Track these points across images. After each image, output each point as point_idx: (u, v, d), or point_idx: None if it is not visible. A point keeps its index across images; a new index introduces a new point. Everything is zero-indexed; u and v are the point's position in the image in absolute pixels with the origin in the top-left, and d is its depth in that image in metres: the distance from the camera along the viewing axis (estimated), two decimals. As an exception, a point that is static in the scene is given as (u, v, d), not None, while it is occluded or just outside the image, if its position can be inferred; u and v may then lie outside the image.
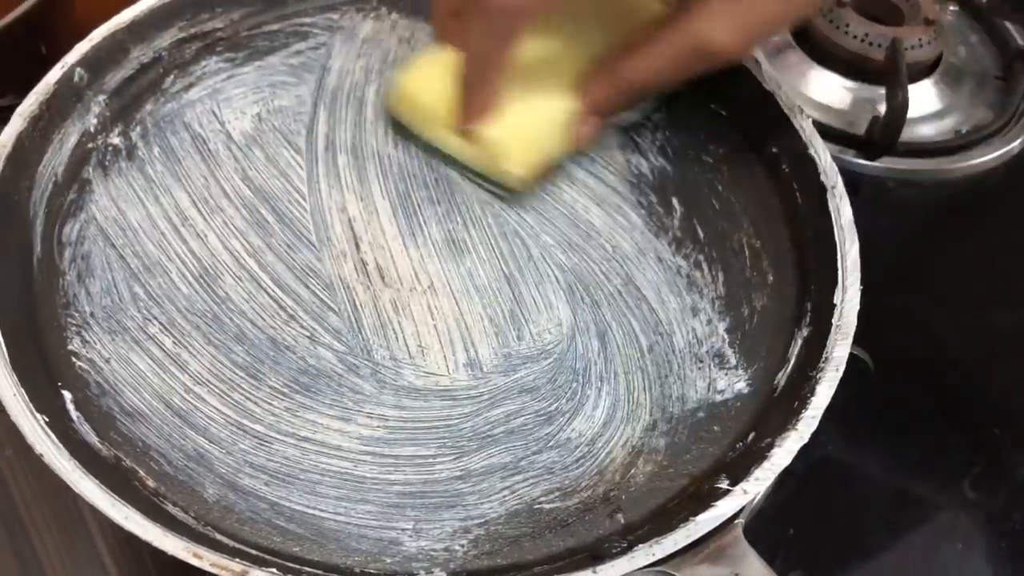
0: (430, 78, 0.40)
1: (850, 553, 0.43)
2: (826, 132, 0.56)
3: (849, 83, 0.58)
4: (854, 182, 0.55)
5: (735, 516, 0.32)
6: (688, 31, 0.37)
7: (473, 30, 0.37)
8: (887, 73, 0.55)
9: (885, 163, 0.56)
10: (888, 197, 0.56)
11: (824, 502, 0.44)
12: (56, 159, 0.39)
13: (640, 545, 0.31)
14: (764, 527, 0.42)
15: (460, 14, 0.40)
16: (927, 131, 0.58)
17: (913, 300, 0.52)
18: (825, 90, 0.59)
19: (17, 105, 0.38)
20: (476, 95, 0.39)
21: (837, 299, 0.37)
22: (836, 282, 0.37)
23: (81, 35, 0.41)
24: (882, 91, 0.55)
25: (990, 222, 0.57)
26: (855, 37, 0.57)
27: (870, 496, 0.45)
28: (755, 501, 0.42)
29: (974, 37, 0.64)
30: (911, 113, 0.54)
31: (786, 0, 0.37)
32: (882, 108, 0.54)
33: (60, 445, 0.31)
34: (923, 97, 0.59)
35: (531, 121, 0.39)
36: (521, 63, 0.38)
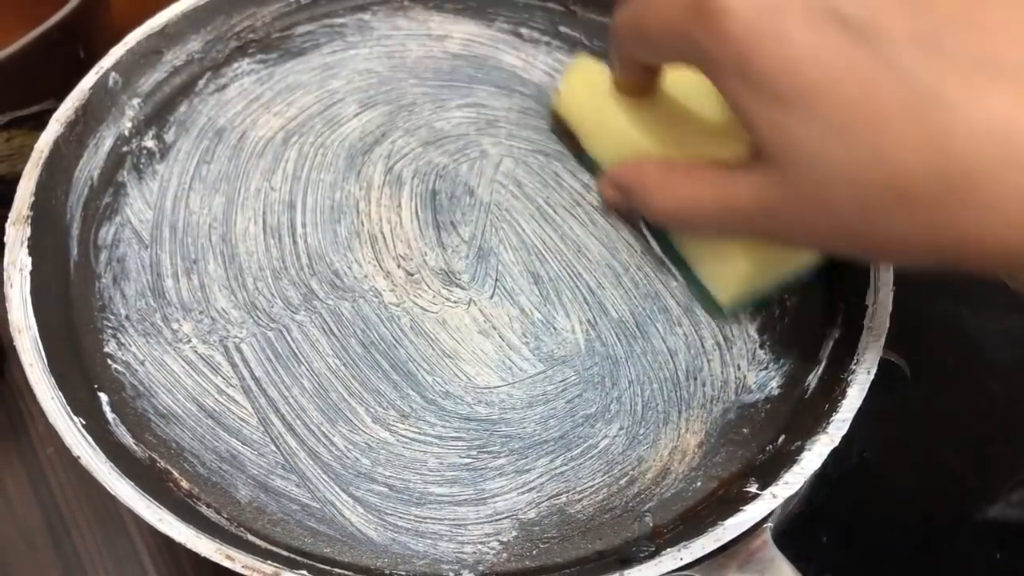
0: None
1: (884, 561, 0.43)
2: None
3: None
4: None
5: (764, 520, 0.32)
6: (720, 186, 0.32)
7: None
8: None
9: None
10: None
11: (858, 509, 0.44)
12: (92, 163, 0.40)
13: (668, 549, 0.31)
14: (797, 533, 0.42)
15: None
16: None
17: (953, 304, 0.51)
18: None
19: (54, 109, 0.39)
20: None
21: (869, 300, 0.37)
22: (868, 283, 0.37)
23: (118, 39, 0.42)
24: None
25: None
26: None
27: (905, 503, 0.44)
28: (790, 506, 0.42)
29: None
30: None
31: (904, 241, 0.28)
32: None
33: (96, 447, 0.31)
34: None
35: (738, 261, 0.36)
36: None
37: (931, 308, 0.50)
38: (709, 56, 0.29)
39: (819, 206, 0.28)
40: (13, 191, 0.37)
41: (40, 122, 0.39)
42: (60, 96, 0.40)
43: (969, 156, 0.25)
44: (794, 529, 0.42)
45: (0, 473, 0.43)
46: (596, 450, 0.36)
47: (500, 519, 0.34)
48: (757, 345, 0.38)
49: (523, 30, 0.47)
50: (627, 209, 0.39)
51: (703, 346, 0.38)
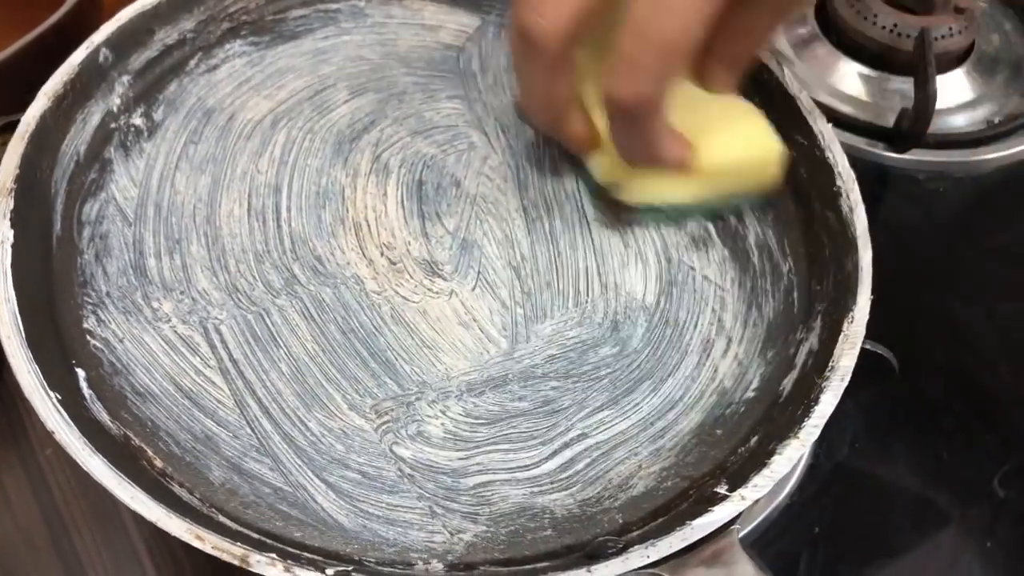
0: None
1: (876, 553, 0.43)
2: (854, 125, 0.56)
3: (877, 74, 0.58)
4: (883, 176, 0.55)
5: (732, 522, 0.32)
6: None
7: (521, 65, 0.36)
8: (915, 65, 0.54)
9: (915, 156, 0.55)
10: (918, 191, 0.55)
11: (850, 501, 0.44)
12: (79, 138, 0.40)
13: (636, 546, 0.31)
14: (789, 526, 0.43)
15: None
16: (959, 122, 0.57)
17: (943, 296, 0.51)
18: (853, 82, 0.58)
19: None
20: (570, 129, 0.38)
21: (848, 307, 0.37)
22: (846, 290, 0.37)
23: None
24: (912, 82, 0.54)
25: (1019, 215, 0.56)
26: (883, 28, 0.57)
27: (896, 495, 0.45)
28: (779, 497, 0.43)
29: (1008, 24, 0.63)
30: (942, 104, 0.53)
31: None
32: (911, 100, 0.53)
33: (71, 423, 0.31)
34: (955, 87, 0.58)
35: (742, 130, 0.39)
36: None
37: (920, 300, 0.50)
38: None
39: None
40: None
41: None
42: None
43: None
44: (785, 520, 0.43)
45: (0, 474, 0.43)
46: (572, 448, 0.36)
47: (471, 510, 0.34)
48: (735, 349, 0.39)
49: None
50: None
51: (686, 347, 0.39)
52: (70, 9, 0.44)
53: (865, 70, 0.58)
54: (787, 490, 0.43)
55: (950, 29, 0.56)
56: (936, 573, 0.43)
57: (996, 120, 0.57)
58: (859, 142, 0.56)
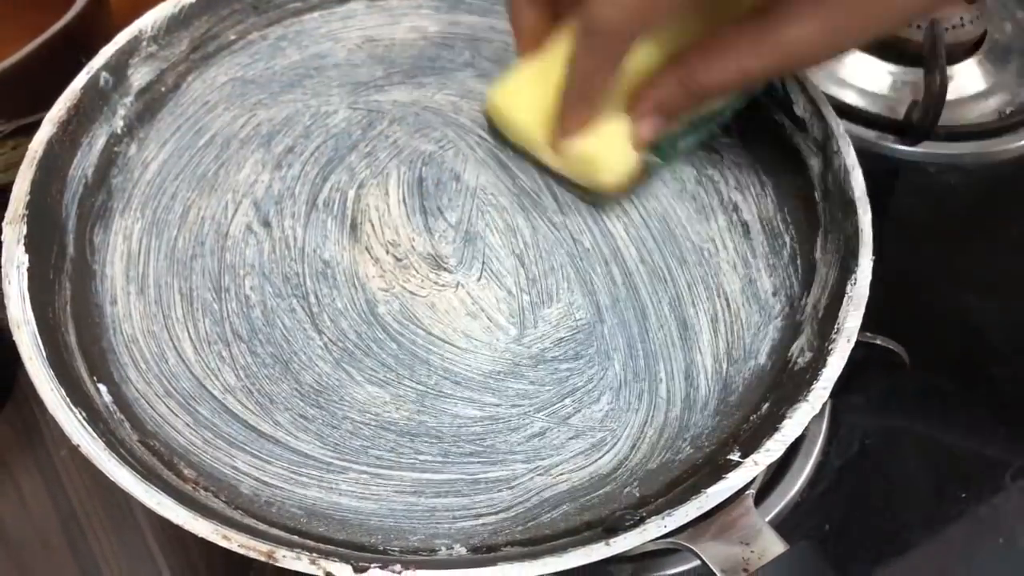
0: (522, 93, 0.40)
1: (887, 547, 0.43)
2: (865, 117, 0.55)
3: (888, 66, 0.57)
4: (894, 168, 0.54)
5: (746, 488, 0.33)
6: (773, 34, 0.33)
7: (578, 48, 0.35)
8: (926, 56, 0.53)
9: (926, 148, 0.55)
10: (929, 183, 0.54)
11: (861, 496, 0.44)
12: (86, 161, 0.41)
13: (652, 518, 0.32)
14: (801, 521, 0.43)
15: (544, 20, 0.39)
16: (971, 113, 0.56)
17: (955, 289, 0.51)
18: (863, 73, 0.57)
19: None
20: (575, 113, 0.38)
21: (851, 269, 0.37)
22: (848, 253, 0.38)
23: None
24: (922, 73, 0.53)
25: None
26: (893, 18, 0.56)
27: (908, 489, 0.45)
28: (789, 494, 0.43)
29: (1020, 13, 0.62)
30: (954, 95, 0.52)
31: (888, 5, 0.33)
32: (922, 92, 0.53)
33: (96, 436, 0.32)
34: (967, 77, 0.57)
35: (622, 129, 0.38)
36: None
37: (933, 294, 0.50)
38: None
39: None
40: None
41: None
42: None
43: None
44: (797, 517, 0.43)
45: (16, 475, 0.44)
46: (586, 424, 0.37)
47: (491, 495, 0.35)
48: (742, 317, 0.39)
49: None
50: (688, 109, 0.38)
51: (694, 320, 0.39)
52: (78, 13, 0.44)
53: (875, 62, 0.57)
54: (798, 487, 0.43)
55: (961, 19, 0.56)
56: (948, 569, 0.43)
57: (1008, 111, 0.56)
58: (870, 135, 0.55)
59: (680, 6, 0.34)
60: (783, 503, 0.44)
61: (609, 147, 0.39)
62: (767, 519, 0.41)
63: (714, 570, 0.32)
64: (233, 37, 0.46)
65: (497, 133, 0.43)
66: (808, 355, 0.37)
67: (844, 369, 0.35)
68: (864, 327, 0.36)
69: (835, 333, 0.36)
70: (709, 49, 0.35)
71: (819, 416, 0.34)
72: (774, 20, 0.33)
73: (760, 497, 0.43)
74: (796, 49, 0.34)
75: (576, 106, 0.37)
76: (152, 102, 0.44)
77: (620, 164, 0.39)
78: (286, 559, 0.30)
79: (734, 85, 0.36)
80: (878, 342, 0.42)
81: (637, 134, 0.38)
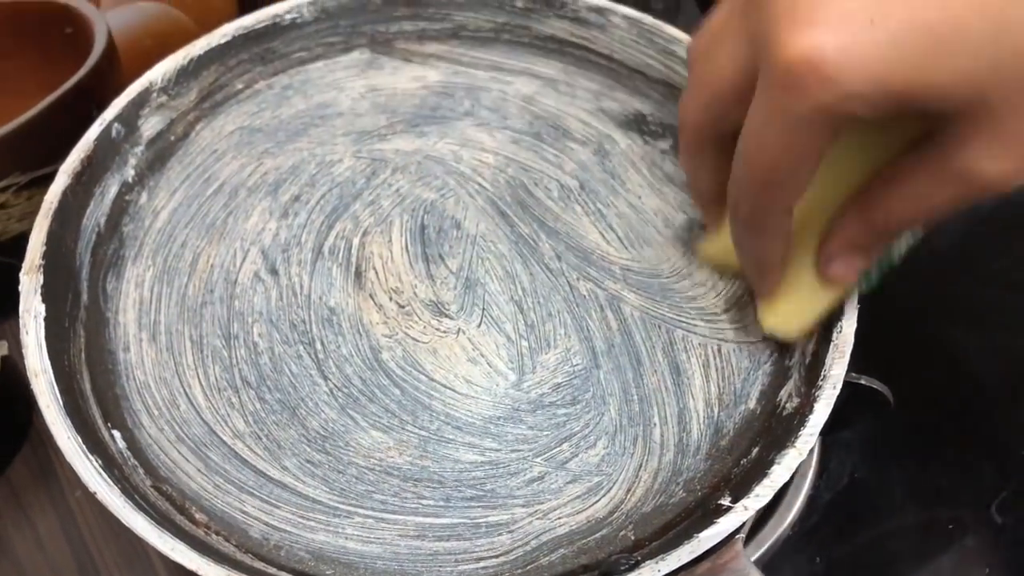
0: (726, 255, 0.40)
1: None
2: None
3: None
4: None
5: (736, 532, 0.34)
6: (953, 163, 0.31)
7: (736, 227, 0.35)
8: None
9: None
10: None
11: (850, 530, 0.45)
12: (98, 211, 0.42)
13: (647, 562, 0.33)
14: (790, 556, 0.44)
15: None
16: None
17: (938, 322, 0.52)
18: None
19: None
20: (762, 286, 0.39)
21: (836, 317, 0.38)
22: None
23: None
24: None
25: (1019, 240, 0.55)
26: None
27: (896, 523, 0.46)
28: (780, 528, 0.44)
29: None
30: None
31: None
32: None
33: (111, 483, 0.34)
34: None
35: (800, 282, 0.38)
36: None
37: (918, 330, 0.51)
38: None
39: None
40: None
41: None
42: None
43: None
44: (787, 551, 0.44)
45: (31, 515, 0.45)
46: (583, 469, 0.38)
47: (492, 539, 0.36)
48: (733, 363, 0.41)
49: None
50: (879, 247, 0.37)
51: (686, 365, 0.40)
52: (91, 69, 0.46)
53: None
54: (788, 521, 0.44)
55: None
56: (937, 598, 0.44)
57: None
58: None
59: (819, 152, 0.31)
60: (775, 536, 0.45)
61: (786, 302, 0.39)
62: (759, 552, 0.43)
63: (704, 613, 0.33)
64: (240, 86, 0.47)
65: None
66: (796, 400, 0.38)
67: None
68: (848, 367, 0.37)
69: (821, 380, 0.37)
70: (887, 184, 0.34)
71: (809, 450, 0.35)
72: (949, 148, 0.31)
73: (752, 531, 0.44)
74: (980, 177, 0.31)
75: (759, 283, 0.39)
76: (162, 151, 0.45)
77: (795, 318, 0.39)
78: (295, 603, 0.32)
79: (919, 219, 0.34)
80: (862, 382, 0.44)
81: (831, 276, 0.37)
